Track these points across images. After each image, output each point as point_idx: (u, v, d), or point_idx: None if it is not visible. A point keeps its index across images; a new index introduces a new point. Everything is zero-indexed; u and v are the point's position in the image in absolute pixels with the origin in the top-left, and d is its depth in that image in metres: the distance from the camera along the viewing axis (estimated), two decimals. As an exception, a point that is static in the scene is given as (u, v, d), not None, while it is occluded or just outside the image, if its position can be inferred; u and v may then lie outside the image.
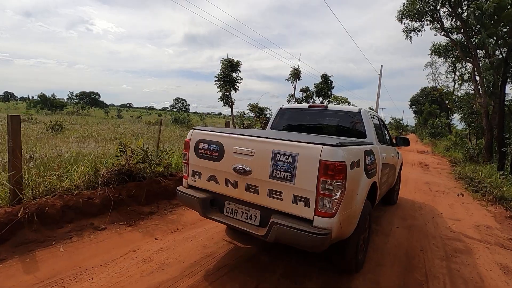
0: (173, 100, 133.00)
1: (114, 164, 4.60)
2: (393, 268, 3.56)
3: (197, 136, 3.24)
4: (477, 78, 11.94)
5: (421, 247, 4.29)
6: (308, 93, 30.94)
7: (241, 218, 2.92)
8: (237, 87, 25.87)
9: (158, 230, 4.13)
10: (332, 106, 4.43)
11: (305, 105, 4.73)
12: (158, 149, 5.64)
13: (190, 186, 3.36)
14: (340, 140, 2.78)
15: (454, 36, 12.81)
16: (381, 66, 26.46)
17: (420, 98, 51.52)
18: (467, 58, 12.61)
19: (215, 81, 25.71)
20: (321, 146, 2.42)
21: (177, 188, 3.38)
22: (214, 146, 3.06)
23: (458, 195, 7.79)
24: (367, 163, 3.13)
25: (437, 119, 32.85)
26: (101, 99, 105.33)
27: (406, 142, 5.64)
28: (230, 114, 26.13)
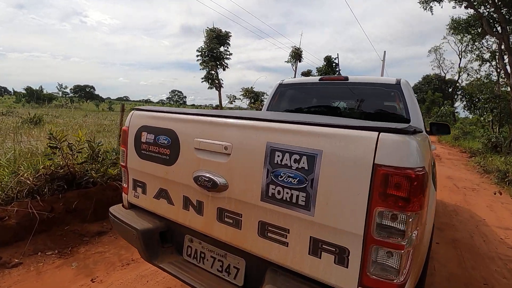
0: (170, 92, 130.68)
1: (46, 166, 3.24)
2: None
3: (139, 121, 1.89)
4: (505, 56, 10.54)
5: (483, 279, 2.99)
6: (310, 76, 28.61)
7: (211, 268, 1.60)
8: (225, 64, 21.81)
9: (102, 262, 2.81)
10: (355, 77, 3.00)
11: (314, 78, 3.34)
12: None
13: (131, 206, 2.02)
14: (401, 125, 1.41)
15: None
16: (384, 52, 25.05)
17: (422, 86, 50.05)
18: (494, 32, 11.12)
19: (197, 55, 21.46)
20: (376, 132, 1.07)
21: (110, 209, 2.04)
22: (164, 138, 1.71)
23: (495, 193, 6.50)
24: (432, 163, 1.80)
25: (442, 107, 31.49)
26: (96, 92, 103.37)
27: (446, 130, 4.27)
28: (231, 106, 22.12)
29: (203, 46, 21.37)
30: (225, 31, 21.36)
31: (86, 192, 3.47)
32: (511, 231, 4.47)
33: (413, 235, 1.05)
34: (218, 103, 22.87)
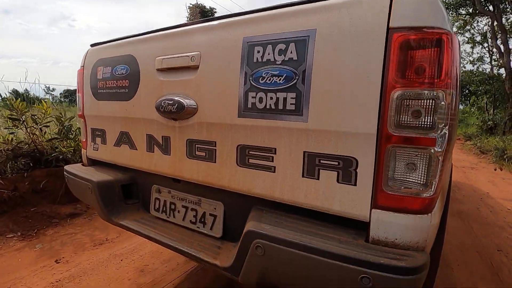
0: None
1: (7, 141, 2.87)
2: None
3: (95, 57, 1.56)
4: (498, 35, 10.38)
5: (496, 246, 2.74)
6: None
7: (183, 221, 1.28)
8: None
9: (71, 244, 2.46)
10: None
11: None
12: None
13: (92, 162, 1.69)
14: None
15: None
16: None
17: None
18: (487, 10, 10.94)
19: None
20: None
21: (65, 167, 1.71)
22: (122, 67, 1.38)
23: (495, 169, 6.31)
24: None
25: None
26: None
27: None
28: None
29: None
30: (209, 7, 19.98)
31: (56, 171, 3.11)
32: (517, 202, 4.25)
33: (444, 129, 0.75)
34: None
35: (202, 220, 1.22)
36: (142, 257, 2.27)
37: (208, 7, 20.16)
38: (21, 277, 1.98)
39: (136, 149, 1.38)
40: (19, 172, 2.94)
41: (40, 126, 3.05)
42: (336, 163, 0.85)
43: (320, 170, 0.87)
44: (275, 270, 0.88)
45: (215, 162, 1.11)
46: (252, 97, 0.97)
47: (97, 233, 2.69)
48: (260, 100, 0.95)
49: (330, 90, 0.83)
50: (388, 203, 0.78)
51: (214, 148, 1.10)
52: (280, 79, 0.91)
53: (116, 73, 1.41)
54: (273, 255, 0.85)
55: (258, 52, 0.95)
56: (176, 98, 1.14)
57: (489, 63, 15.83)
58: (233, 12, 1.11)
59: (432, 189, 0.76)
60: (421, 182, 0.77)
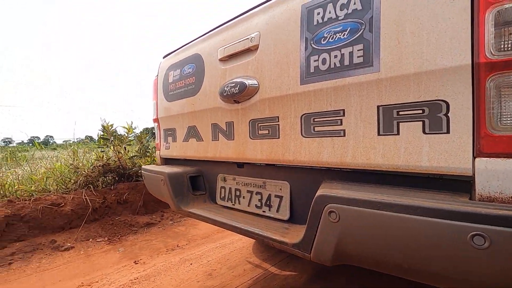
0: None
1: (99, 158, 3.34)
2: None
3: (167, 64, 1.74)
4: None
5: None
6: None
7: (248, 206, 1.25)
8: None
9: (148, 248, 2.64)
10: None
11: None
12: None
13: (165, 161, 1.83)
14: None
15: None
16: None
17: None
18: None
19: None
20: None
21: (142, 167, 1.88)
22: (189, 66, 1.51)
23: None
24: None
25: None
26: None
27: None
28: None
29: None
30: None
31: (135, 185, 3.46)
32: None
33: None
34: None
35: (268, 203, 1.17)
36: (210, 262, 2.29)
37: None
38: (107, 273, 2.16)
39: (203, 140, 1.44)
40: (107, 185, 3.36)
41: (124, 145, 3.49)
42: (420, 112, 0.73)
43: (400, 124, 0.76)
44: (354, 240, 0.76)
45: (278, 137, 1.07)
46: (315, 61, 0.93)
47: (170, 240, 2.83)
48: (323, 61, 0.90)
49: (404, 28, 0.74)
50: (497, 148, 0.62)
51: (277, 123, 1.07)
52: (344, 34, 0.85)
53: (184, 73, 1.54)
54: (351, 221, 0.74)
55: (318, 14, 0.92)
56: (237, 80, 1.17)
57: None
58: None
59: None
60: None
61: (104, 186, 3.30)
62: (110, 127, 3.37)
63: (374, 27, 0.79)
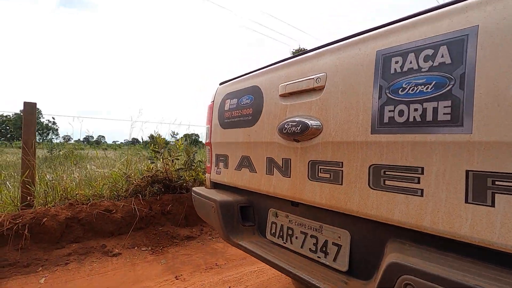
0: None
1: (149, 169, 3.54)
2: None
3: (223, 91, 1.80)
4: None
5: None
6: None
7: (301, 248, 1.21)
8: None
9: (188, 264, 2.69)
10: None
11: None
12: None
13: (214, 185, 1.87)
14: None
15: None
16: None
17: None
18: None
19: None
20: None
21: (193, 188, 1.93)
22: (247, 97, 1.53)
23: None
24: None
25: None
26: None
27: None
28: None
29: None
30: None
31: (179, 196, 3.59)
32: None
33: None
34: None
35: (324, 249, 1.12)
36: (249, 287, 2.26)
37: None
38: (149, 286, 2.24)
39: (256, 172, 1.44)
40: (153, 196, 3.53)
41: (172, 158, 3.67)
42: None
43: (496, 195, 0.67)
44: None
45: (341, 184, 1.02)
46: (390, 111, 0.88)
47: (208, 257, 2.87)
48: (400, 113, 0.85)
49: (504, 89, 0.66)
50: None
51: (341, 169, 1.03)
52: (428, 87, 0.80)
53: (241, 103, 1.57)
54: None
55: (397, 62, 0.88)
56: (299, 119, 1.15)
57: None
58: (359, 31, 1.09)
59: None
60: None
61: (150, 196, 3.48)
62: (162, 140, 3.56)
63: (467, 85, 0.72)
